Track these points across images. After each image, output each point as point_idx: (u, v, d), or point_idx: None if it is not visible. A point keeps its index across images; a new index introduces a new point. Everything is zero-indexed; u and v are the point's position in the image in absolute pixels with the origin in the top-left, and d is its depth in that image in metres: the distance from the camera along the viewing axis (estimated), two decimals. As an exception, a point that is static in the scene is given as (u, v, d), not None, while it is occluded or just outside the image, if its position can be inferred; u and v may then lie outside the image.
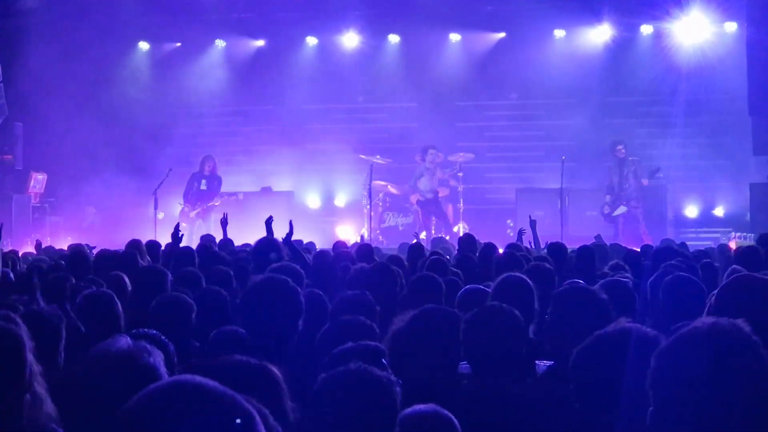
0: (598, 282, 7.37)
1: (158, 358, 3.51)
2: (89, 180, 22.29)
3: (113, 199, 21.99)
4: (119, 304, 6.62)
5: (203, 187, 21.50)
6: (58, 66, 21.54)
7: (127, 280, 8.22)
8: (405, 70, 23.77)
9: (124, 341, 3.87)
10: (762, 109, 19.09)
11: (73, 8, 22.03)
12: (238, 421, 2.07)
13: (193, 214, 21.04)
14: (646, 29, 22.56)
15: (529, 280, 6.36)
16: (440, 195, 21.32)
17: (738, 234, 19.18)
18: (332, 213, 23.09)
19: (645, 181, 20.13)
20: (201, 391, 2.11)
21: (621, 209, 20.30)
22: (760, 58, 19.02)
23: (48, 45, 21.37)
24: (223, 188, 21.89)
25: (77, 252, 11.25)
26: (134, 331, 4.93)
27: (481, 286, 7.11)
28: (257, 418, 2.13)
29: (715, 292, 5.08)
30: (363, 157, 21.36)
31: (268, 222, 11.03)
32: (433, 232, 20.65)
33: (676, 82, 22.15)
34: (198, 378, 2.13)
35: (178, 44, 24.78)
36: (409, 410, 3.75)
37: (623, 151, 20.35)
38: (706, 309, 5.20)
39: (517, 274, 6.62)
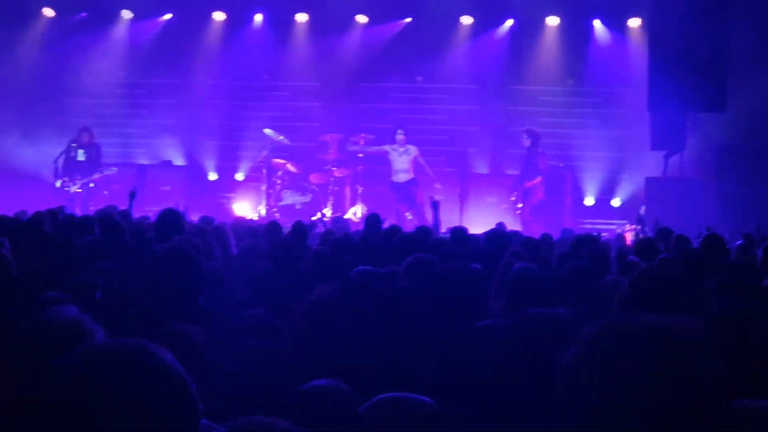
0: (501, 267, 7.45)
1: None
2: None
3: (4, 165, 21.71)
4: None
5: (81, 158, 20.89)
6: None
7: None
8: (311, 49, 23.63)
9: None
10: (659, 105, 19.35)
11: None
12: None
13: (74, 188, 20.46)
14: (552, 20, 22.75)
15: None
16: (338, 175, 21.22)
17: (632, 226, 19.44)
18: (230, 189, 22.87)
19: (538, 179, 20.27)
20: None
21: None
22: (659, 55, 19.28)
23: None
24: (118, 160, 21.61)
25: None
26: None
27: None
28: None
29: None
30: (268, 132, 21.11)
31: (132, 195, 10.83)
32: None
33: (581, 73, 22.61)
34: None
35: (84, 14, 24.22)
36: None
37: (528, 141, 20.42)
38: (617, 299, 5.21)
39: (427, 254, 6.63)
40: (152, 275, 5.28)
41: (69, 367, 2.10)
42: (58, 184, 20.02)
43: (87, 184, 20.40)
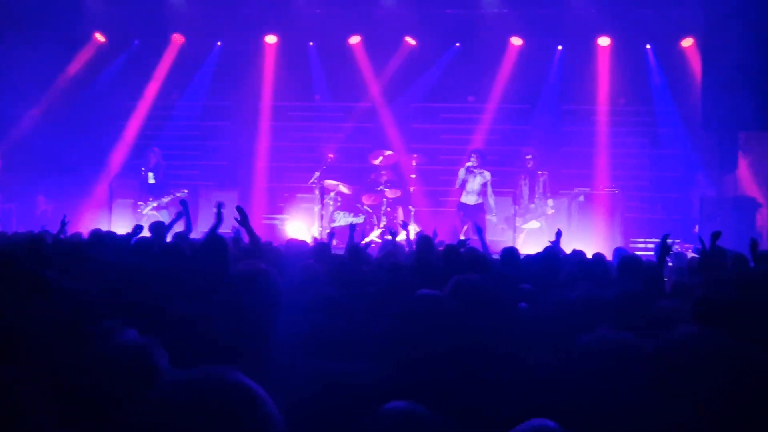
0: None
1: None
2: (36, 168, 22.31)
3: (64, 188, 22.00)
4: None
5: (151, 180, 21.28)
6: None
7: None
8: (362, 69, 23.76)
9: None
10: (713, 124, 19.22)
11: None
12: None
13: (146, 210, 20.78)
14: (603, 41, 22.75)
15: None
16: (390, 197, 21.25)
17: (686, 245, 19.34)
18: (281, 210, 22.96)
19: (551, 208, 20.17)
20: None
21: (533, 224, 20.30)
22: (713, 73, 19.15)
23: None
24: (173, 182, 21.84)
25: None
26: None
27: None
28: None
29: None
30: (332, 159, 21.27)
31: (220, 206, 10.61)
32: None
33: (633, 92, 22.67)
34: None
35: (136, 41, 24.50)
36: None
37: (531, 161, 20.36)
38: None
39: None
40: (230, 300, 5.31)
41: (161, 404, 2.15)
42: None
43: (160, 207, 20.70)
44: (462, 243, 12.63)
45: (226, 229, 11.03)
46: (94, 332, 4.25)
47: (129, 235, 11.21)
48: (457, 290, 6.32)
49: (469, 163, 20.03)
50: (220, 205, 10.53)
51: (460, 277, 6.51)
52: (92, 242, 10.59)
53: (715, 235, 10.64)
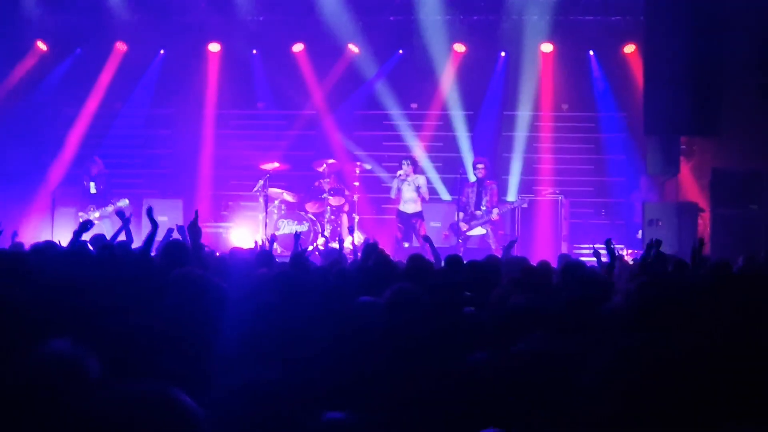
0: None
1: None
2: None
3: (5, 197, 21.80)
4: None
5: (93, 190, 21.08)
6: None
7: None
8: (305, 76, 23.74)
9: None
10: (655, 129, 19.29)
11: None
12: None
13: (93, 218, 20.59)
14: (546, 47, 22.87)
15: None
16: (334, 205, 21.25)
17: (630, 251, 19.47)
18: (227, 218, 22.86)
19: (495, 214, 20.17)
20: None
21: (479, 230, 20.28)
22: (654, 79, 19.23)
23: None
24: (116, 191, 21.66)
25: None
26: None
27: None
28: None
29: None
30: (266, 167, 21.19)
31: (149, 212, 10.58)
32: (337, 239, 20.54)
33: (576, 98, 22.86)
34: None
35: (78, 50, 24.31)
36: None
37: (483, 170, 20.38)
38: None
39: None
40: (167, 306, 5.27)
41: (89, 418, 2.12)
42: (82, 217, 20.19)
43: (103, 216, 20.52)
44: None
45: (158, 236, 10.94)
46: (19, 343, 4.19)
47: (75, 236, 11.06)
48: (395, 298, 6.35)
49: (400, 171, 19.99)
50: (150, 211, 10.53)
51: (398, 285, 6.54)
52: (33, 253, 10.47)
53: (656, 244, 10.75)
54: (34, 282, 8.07)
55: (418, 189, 19.96)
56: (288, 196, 21.45)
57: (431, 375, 4.62)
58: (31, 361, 3.54)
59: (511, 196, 21.83)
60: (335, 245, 15.27)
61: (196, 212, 10.15)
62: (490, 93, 23.25)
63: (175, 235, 10.70)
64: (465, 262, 11.17)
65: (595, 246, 12.86)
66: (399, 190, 19.98)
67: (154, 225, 10.26)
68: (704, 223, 19.21)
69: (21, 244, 13.18)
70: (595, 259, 12.29)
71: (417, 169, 20.26)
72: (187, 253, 9.04)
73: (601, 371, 2.78)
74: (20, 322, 5.39)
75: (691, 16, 18.54)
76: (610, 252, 10.50)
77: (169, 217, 19.95)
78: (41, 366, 3.39)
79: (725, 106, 19.30)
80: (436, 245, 13.61)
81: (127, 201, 20.32)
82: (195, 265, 8.45)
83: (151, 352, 4.60)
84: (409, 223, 19.90)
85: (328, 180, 21.40)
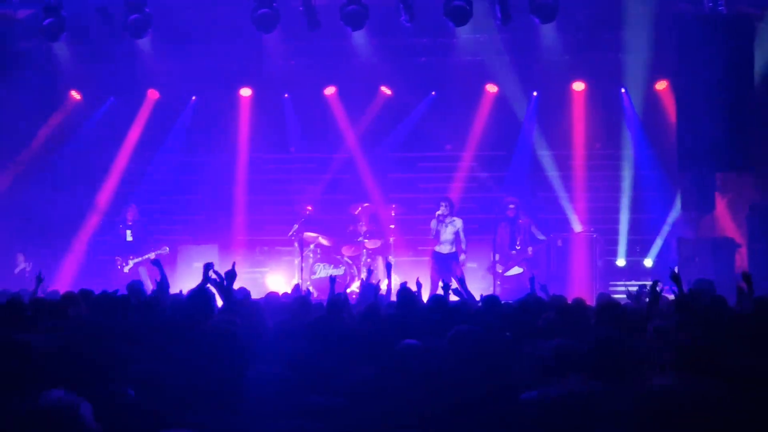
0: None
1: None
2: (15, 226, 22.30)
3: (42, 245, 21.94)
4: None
5: (129, 238, 21.20)
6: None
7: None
8: (338, 120, 23.77)
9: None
10: (689, 165, 19.16)
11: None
12: None
13: (127, 269, 20.73)
14: (578, 86, 22.85)
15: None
16: (369, 248, 21.23)
17: (666, 286, 19.30)
18: (261, 263, 22.87)
19: (530, 251, 20.19)
20: None
21: (515, 270, 20.24)
22: (686, 115, 19.12)
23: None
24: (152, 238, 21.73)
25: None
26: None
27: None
28: None
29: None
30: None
31: (207, 267, 10.52)
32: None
33: (609, 135, 22.76)
34: None
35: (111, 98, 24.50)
36: None
37: (514, 209, 20.34)
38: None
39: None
40: (195, 356, 5.25)
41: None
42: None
43: (140, 263, 20.63)
44: (448, 289, 12.57)
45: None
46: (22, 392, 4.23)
47: (115, 292, 11.11)
48: (455, 341, 6.30)
49: (438, 212, 19.93)
50: (207, 267, 10.46)
51: (460, 327, 6.49)
52: (68, 301, 10.52)
53: (675, 278, 10.64)
54: (67, 327, 8.11)
55: (456, 233, 19.90)
56: (323, 240, 21.47)
57: (485, 413, 4.61)
58: (27, 411, 3.57)
59: (544, 234, 21.72)
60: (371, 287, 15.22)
61: (234, 263, 10.20)
62: (523, 133, 23.19)
63: (212, 275, 10.66)
64: (502, 302, 11.15)
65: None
66: (437, 231, 19.90)
67: (206, 280, 10.23)
68: (741, 258, 19.02)
69: (57, 292, 13.26)
70: (630, 299, 12.22)
71: (453, 211, 20.17)
72: (213, 302, 9.01)
73: (630, 414, 2.76)
74: (41, 369, 5.42)
75: (723, 51, 18.43)
76: (654, 295, 10.38)
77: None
78: (38, 415, 3.42)
79: (760, 140, 19.16)
80: (473, 285, 13.60)
81: (167, 249, 20.46)
82: (226, 312, 8.45)
83: (181, 405, 4.59)
84: (445, 264, 19.80)
85: (363, 223, 21.41)
